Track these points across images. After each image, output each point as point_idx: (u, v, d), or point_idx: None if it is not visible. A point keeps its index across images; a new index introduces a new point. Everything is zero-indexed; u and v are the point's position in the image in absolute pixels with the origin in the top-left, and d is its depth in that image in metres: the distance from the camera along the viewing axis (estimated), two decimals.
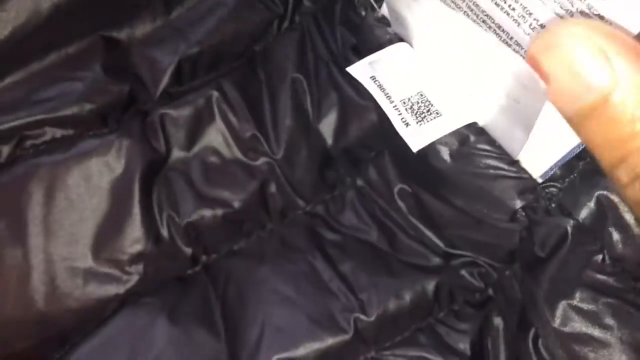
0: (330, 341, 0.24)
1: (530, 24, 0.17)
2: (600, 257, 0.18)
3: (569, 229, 0.18)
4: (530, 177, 0.19)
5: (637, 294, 0.17)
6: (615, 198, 0.17)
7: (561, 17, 0.16)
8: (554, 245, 0.19)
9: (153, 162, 0.26)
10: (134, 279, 0.26)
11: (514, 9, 0.17)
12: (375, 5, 0.21)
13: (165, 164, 0.27)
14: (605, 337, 0.18)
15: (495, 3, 0.17)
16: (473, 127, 0.20)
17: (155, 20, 0.28)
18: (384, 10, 0.21)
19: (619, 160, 0.13)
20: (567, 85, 0.13)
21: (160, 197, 0.26)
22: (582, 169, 0.18)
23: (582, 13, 0.16)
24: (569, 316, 0.18)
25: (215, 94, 0.28)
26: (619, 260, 0.18)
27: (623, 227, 0.17)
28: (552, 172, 0.18)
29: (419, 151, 0.20)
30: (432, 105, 0.20)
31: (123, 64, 0.27)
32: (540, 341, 0.22)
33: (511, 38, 0.17)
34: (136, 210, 0.26)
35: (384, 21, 0.22)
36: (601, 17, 0.15)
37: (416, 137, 0.19)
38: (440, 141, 0.20)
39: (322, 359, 0.24)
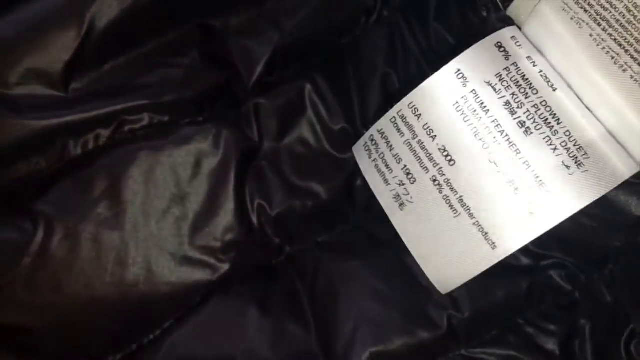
0: (424, 337, 0.24)
1: None
2: None
3: None
4: None
5: None
6: None
7: None
8: None
9: (247, 151, 0.27)
10: (226, 266, 0.26)
11: None
12: (500, 5, 0.21)
13: (257, 153, 0.27)
14: None
15: None
16: None
17: (250, 9, 0.28)
18: (512, 10, 0.21)
19: None
20: None
21: (252, 187, 0.27)
22: None
23: None
24: None
25: (308, 85, 0.28)
26: None
27: None
28: None
29: None
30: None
31: (219, 53, 0.27)
32: (633, 344, 0.22)
33: None
34: (231, 198, 0.26)
35: (509, 22, 0.22)
36: None
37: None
38: None
39: (415, 354, 0.24)
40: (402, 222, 0.20)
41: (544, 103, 0.18)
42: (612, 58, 0.18)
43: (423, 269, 0.20)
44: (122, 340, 0.26)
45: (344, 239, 0.28)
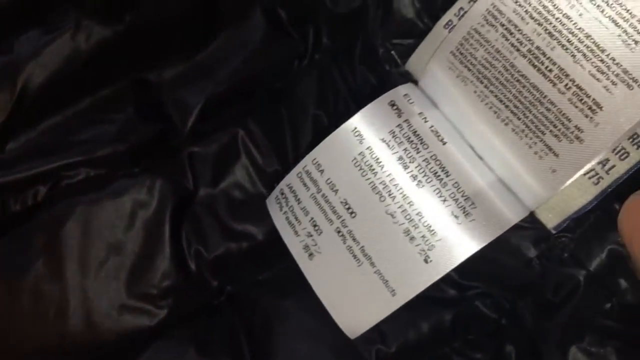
0: None
1: (567, 84, 0.18)
2: (609, 304, 0.19)
3: (582, 279, 0.19)
4: (544, 228, 0.20)
5: None
6: (625, 251, 0.19)
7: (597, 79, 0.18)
8: (567, 293, 0.20)
9: (182, 199, 0.28)
10: (164, 312, 0.27)
11: (550, 70, 0.18)
12: (399, 62, 0.23)
13: (193, 200, 0.28)
14: None
15: (532, 64, 0.19)
16: None
17: (183, 61, 0.29)
18: (409, 65, 0.23)
19: None
20: None
21: (188, 233, 0.28)
22: (594, 221, 0.20)
23: (618, 76, 0.17)
24: (578, 358, 0.20)
25: (241, 131, 0.29)
26: (627, 307, 0.19)
27: (632, 277, 0.19)
28: (565, 224, 0.20)
29: None
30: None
31: (153, 105, 0.28)
32: None
33: (545, 97, 0.19)
34: (167, 246, 0.27)
35: (408, 76, 0.23)
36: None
37: None
38: None
39: None
40: (312, 271, 0.21)
41: (434, 157, 0.20)
42: (495, 112, 0.20)
43: (332, 314, 0.21)
44: None
45: (282, 277, 0.29)
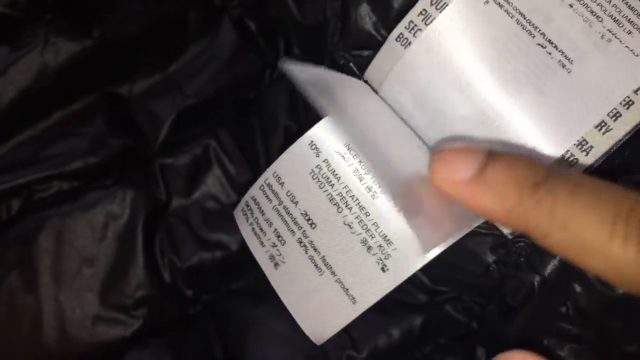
0: None
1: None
2: (564, 308, 0.19)
3: (536, 283, 0.20)
4: (501, 233, 0.21)
5: (597, 340, 0.19)
6: None
7: None
8: (524, 297, 0.20)
9: (155, 210, 0.28)
10: (139, 321, 0.27)
11: None
12: (357, 73, 0.23)
13: (166, 211, 0.29)
14: None
15: None
16: None
17: (154, 75, 0.29)
18: (367, 76, 0.23)
19: None
20: None
21: (162, 243, 0.28)
22: None
23: None
24: None
25: (213, 142, 0.29)
26: (581, 311, 0.19)
27: (585, 281, 0.19)
28: None
29: None
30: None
31: (124, 118, 0.29)
32: None
33: None
34: (140, 256, 0.27)
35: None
36: None
37: None
38: None
39: None
40: (278, 280, 0.21)
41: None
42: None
43: (298, 322, 0.21)
44: None
45: (256, 285, 0.29)
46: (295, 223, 0.21)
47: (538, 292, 0.20)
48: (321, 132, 0.20)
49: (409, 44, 0.20)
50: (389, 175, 0.17)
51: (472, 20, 0.19)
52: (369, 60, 0.22)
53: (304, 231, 0.20)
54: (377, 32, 0.22)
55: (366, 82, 0.23)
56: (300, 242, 0.21)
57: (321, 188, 0.20)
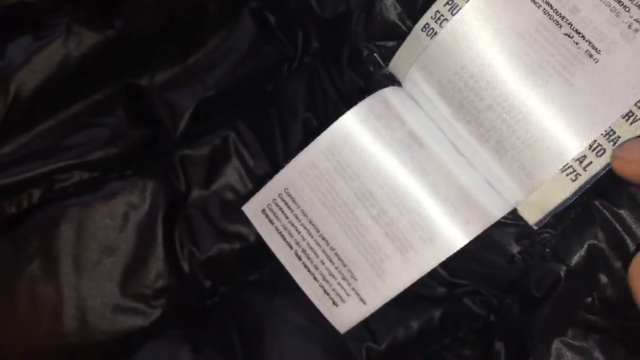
0: None
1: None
2: (590, 299, 0.19)
3: (562, 274, 0.20)
4: (527, 224, 0.21)
5: (622, 331, 0.19)
6: (604, 246, 0.19)
7: None
8: (549, 288, 0.20)
9: (174, 200, 0.28)
10: (158, 312, 0.27)
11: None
12: (382, 63, 0.23)
13: (185, 202, 0.29)
14: None
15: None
16: None
17: (174, 66, 0.30)
18: (392, 67, 0.23)
19: None
20: None
21: (181, 234, 0.28)
22: (574, 217, 0.20)
23: None
24: (562, 352, 0.20)
25: (232, 134, 0.29)
26: (607, 302, 0.19)
27: (611, 272, 0.19)
28: (546, 220, 0.20)
29: None
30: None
31: (145, 109, 0.29)
32: None
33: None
34: (160, 247, 0.27)
35: (392, 78, 0.23)
36: None
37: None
38: None
39: None
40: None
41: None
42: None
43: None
44: None
45: (273, 277, 0.29)
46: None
47: (564, 283, 0.20)
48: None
49: (435, 34, 0.20)
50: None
51: (499, 9, 0.19)
52: (393, 51, 0.22)
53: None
54: (402, 23, 0.22)
55: (391, 73, 0.23)
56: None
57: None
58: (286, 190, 0.22)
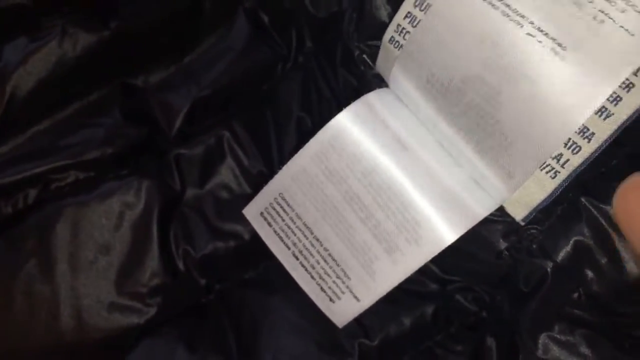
0: None
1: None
2: (576, 294, 0.20)
3: (549, 269, 0.20)
4: (514, 221, 0.21)
5: (608, 326, 0.20)
6: (590, 242, 0.19)
7: None
8: (536, 283, 0.21)
9: (169, 199, 0.29)
10: (153, 310, 0.28)
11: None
12: (371, 64, 0.23)
13: (180, 201, 0.29)
14: None
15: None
16: None
17: (169, 66, 0.30)
18: (378, 67, 0.23)
19: None
20: None
21: (176, 232, 0.29)
22: (561, 213, 0.20)
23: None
24: (549, 346, 0.20)
25: (226, 133, 0.30)
26: (593, 297, 0.20)
27: (597, 268, 0.19)
28: (532, 216, 0.20)
29: None
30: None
31: (140, 109, 0.29)
32: None
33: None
34: (155, 246, 0.28)
35: (382, 78, 0.24)
36: None
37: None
38: None
39: None
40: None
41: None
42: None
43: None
44: None
45: (268, 275, 0.30)
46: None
47: (551, 278, 0.20)
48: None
49: (401, 46, 0.21)
50: None
51: (457, 18, 0.19)
52: None
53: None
54: None
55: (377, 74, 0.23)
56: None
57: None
58: (281, 195, 0.23)
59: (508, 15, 0.18)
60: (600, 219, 0.20)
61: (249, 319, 0.28)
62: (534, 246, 0.21)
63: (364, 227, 0.21)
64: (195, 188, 0.29)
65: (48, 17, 0.27)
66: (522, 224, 0.21)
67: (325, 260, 0.22)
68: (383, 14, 0.22)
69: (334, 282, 0.22)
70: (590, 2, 0.17)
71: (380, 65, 0.22)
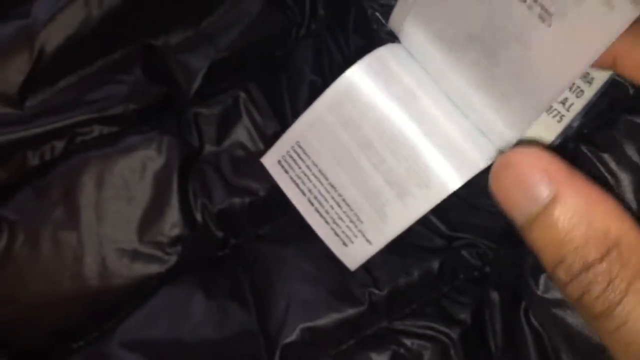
0: (348, 312, 0.28)
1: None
2: None
3: None
4: None
5: None
6: None
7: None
8: None
9: (188, 155, 0.30)
10: (173, 259, 0.29)
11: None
12: (383, 21, 0.25)
13: (198, 157, 0.30)
14: None
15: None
16: None
17: (188, 29, 0.31)
18: (391, 24, 0.24)
19: (558, 261, 0.17)
20: (517, 197, 0.17)
21: (195, 187, 0.30)
22: None
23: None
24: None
25: (242, 94, 0.31)
26: None
27: None
28: None
29: None
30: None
31: (160, 69, 0.30)
32: (530, 312, 0.25)
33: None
34: (175, 198, 0.29)
35: (394, 35, 0.25)
36: None
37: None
38: None
39: (341, 328, 0.28)
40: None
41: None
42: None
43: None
44: (83, 329, 0.29)
45: (281, 230, 0.31)
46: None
47: None
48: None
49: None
50: None
51: None
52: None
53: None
54: None
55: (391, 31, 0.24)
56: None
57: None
58: (297, 143, 0.24)
59: None
60: (599, 165, 0.21)
61: (263, 270, 0.30)
62: None
63: (376, 173, 0.22)
64: (213, 145, 0.31)
65: None
66: None
67: (339, 205, 0.23)
68: None
69: (347, 226, 0.23)
70: None
71: (394, 20, 0.23)
